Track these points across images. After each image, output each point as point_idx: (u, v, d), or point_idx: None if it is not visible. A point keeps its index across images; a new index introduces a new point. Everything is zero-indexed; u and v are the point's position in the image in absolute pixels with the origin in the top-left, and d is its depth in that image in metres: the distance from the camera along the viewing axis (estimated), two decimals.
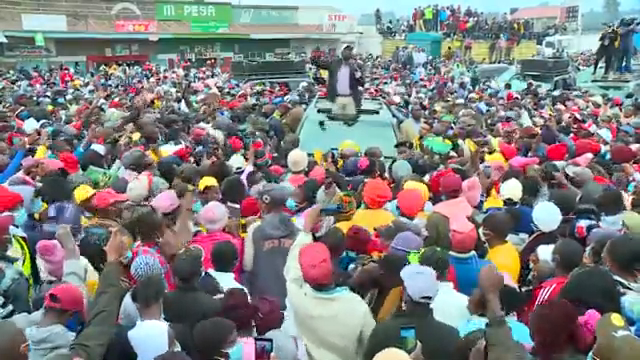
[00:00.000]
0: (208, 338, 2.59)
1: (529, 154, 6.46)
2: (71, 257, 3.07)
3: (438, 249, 3.34)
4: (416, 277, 2.77)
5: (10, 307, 3.09)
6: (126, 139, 6.22)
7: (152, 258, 3.15)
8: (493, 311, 2.47)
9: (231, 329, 2.62)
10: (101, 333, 2.41)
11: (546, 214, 4.08)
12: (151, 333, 2.53)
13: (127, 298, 2.97)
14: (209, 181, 4.71)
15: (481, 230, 3.86)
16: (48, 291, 2.68)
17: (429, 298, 2.73)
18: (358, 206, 4.42)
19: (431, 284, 2.78)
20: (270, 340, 2.60)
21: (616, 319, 2.22)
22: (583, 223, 4.14)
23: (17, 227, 3.69)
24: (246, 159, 5.80)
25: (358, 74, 7.79)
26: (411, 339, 2.39)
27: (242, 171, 5.52)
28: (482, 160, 5.89)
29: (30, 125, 7.68)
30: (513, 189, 4.84)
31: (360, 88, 8.33)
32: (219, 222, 4.02)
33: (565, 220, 4.18)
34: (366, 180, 4.97)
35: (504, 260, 3.74)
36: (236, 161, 5.78)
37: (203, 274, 3.33)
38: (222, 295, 3.13)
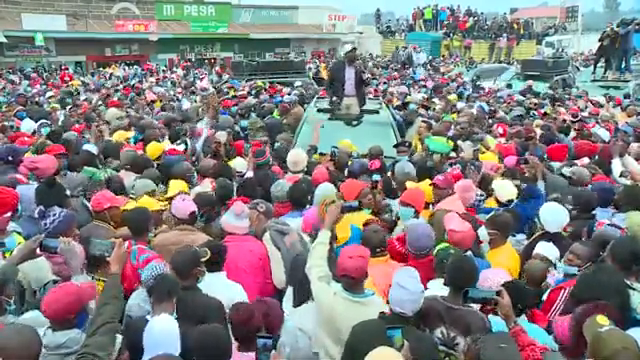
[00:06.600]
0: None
1: (526, 154, 6.42)
2: (76, 274, 3.05)
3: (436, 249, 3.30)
4: (398, 289, 2.70)
5: None
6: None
7: (163, 266, 3.11)
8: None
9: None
10: (108, 343, 2.46)
11: (553, 215, 4.06)
12: (165, 329, 2.54)
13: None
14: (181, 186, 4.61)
15: (483, 229, 3.81)
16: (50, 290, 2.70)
17: (403, 314, 2.67)
18: None
19: (411, 300, 2.68)
20: (270, 337, 2.56)
21: (601, 319, 2.38)
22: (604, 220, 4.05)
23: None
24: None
25: (366, 75, 7.77)
26: (398, 338, 2.40)
27: (244, 175, 5.45)
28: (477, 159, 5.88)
29: (27, 125, 7.66)
30: (505, 188, 4.84)
31: (365, 88, 8.28)
32: (246, 219, 3.89)
33: (573, 217, 4.16)
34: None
35: (505, 260, 3.74)
36: (239, 164, 5.71)
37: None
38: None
